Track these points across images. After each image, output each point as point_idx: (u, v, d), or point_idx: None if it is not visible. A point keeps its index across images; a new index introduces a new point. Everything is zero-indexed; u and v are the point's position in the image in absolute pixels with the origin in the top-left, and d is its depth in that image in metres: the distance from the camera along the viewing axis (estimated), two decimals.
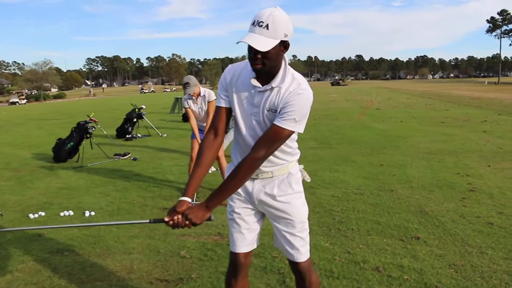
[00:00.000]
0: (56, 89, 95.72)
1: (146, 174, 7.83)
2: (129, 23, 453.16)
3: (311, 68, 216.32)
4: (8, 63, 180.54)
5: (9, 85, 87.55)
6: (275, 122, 2.13)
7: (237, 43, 2.04)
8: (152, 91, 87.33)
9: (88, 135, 9.30)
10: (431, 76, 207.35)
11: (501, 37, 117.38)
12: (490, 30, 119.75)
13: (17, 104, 54.98)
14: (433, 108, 21.31)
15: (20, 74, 77.81)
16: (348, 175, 7.03)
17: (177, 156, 9.60)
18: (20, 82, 77.79)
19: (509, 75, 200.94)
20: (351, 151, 9.30)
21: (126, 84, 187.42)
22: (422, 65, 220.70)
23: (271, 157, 2.26)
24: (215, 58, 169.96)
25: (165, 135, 13.32)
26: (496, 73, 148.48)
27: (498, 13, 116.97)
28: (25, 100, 58.91)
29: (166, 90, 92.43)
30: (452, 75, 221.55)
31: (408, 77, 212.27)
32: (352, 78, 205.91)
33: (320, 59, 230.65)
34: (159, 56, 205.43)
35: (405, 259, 3.78)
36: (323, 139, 11.22)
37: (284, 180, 2.35)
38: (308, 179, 2.60)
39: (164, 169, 8.17)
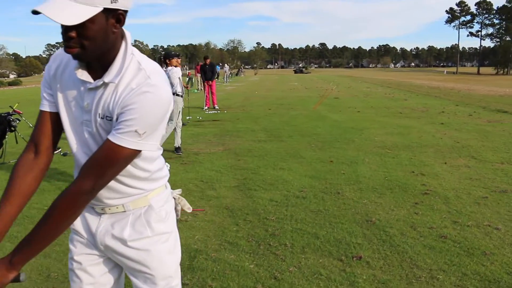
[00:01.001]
0: (15, 76, 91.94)
1: (70, 173, 6.95)
2: None
3: (275, 55, 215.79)
4: None
5: None
6: (109, 137, 1.37)
7: (33, 12, 1.25)
8: None
9: (12, 128, 8.29)
10: (393, 65, 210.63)
11: (459, 28, 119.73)
12: (449, 21, 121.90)
13: None
14: (392, 97, 20.98)
15: None
16: (293, 174, 6.35)
17: None
18: None
19: (466, 65, 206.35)
20: (302, 144, 8.64)
21: None
22: (384, 54, 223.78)
23: (117, 186, 1.52)
24: (178, 45, 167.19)
25: None
26: (454, 63, 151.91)
27: (456, 4, 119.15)
28: None
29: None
30: (413, 64, 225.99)
31: (370, 66, 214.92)
32: (315, 66, 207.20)
33: (284, 46, 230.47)
34: None
35: (341, 287, 3.11)
36: (274, 130, 10.53)
37: (140, 217, 1.59)
38: (188, 209, 1.87)
39: None
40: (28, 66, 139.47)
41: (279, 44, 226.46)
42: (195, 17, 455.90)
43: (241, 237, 4.08)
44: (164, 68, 8.09)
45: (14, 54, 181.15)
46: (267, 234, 4.13)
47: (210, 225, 4.46)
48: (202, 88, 16.89)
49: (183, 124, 12.10)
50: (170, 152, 8.25)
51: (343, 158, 7.29)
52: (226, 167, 6.91)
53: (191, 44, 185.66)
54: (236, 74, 65.68)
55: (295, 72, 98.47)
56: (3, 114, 8.24)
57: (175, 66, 8.04)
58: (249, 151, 8.11)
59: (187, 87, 13.04)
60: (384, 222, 4.33)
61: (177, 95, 8.08)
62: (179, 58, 12.52)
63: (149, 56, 9.93)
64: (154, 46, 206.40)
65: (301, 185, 5.78)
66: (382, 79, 50.41)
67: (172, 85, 8.09)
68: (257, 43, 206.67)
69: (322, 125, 11.37)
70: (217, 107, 16.29)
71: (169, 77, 8.06)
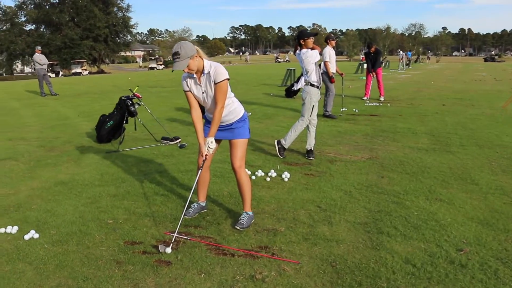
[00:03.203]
0: None
1: (172, 171, 5.87)
2: None
3: (463, 41, 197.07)
4: (160, 31, 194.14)
5: (160, 52, 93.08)
6: None
7: None
8: (287, 60, 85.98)
9: (134, 113, 7.59)
10: None
11: None
12: None
13: (155, 69, 57.44)
14: None
15: (170, 41, 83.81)
16: (453, 212, 4.28)
17: None
18: (162, 49, 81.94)
19: None
20: (477, 160, 6.30)
21: (267, 53, 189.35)
22: None
23: None
24: (357, 29, 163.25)
25: (249, 113, 11.24)
26: None
27: None
28: (163, 66, 61.41)
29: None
30: None
31: None
32: None
33: (475, 31, 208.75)
34: (300, 25, 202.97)
35: None
36: (442, 135, 8.18)
37: None
38: None
39: None
40: (214, 48, 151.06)
41: (469, 29, 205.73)
42: (375, 0, 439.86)
43: None
44: (298, 51, 6.49)
45: (203, 36, 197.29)
46: None
47: None
48: (365, 77, 14.86)
49: (332, 117, 10.44)
50: (300, 155, 6.69)
51: None
52: (361, 187, 5.11)
53: (370, 28, 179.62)
54: (415, 61, 60.80)
55: (485, 60, 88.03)
56: (123, 98, 7.58)
57: (312, 49, 6.36)
58: (401, 164, 6.12)
59: (342, 74, 11.27)
60: None
61: (312, 85, 6.43)
62: (333, 40, 10.83)
63: (326, 39, 8.28)
64: (333, 29, 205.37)
65: (463, 235, 3.73)
66: None
67: (306, 72, 6.46)
68: (442, 27, 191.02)
69: None
70: (382, 99, 14.16)
71: (301, 62, 6.45)
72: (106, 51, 58.68)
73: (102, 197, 4.90)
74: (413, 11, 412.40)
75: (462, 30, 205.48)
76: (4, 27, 54.88)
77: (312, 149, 6.61)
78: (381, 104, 13.22)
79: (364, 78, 15.35)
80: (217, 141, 4.16)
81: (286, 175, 5.53)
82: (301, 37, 6.35)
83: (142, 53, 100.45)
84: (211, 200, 4.73)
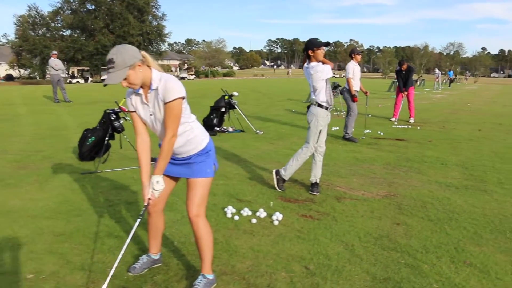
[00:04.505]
0: (237, 68, 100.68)
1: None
2: (314, 7, 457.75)
3: (502, 63, 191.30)
4: (198, 41, 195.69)
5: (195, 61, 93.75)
6: None
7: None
8: None
9: (119, 129, 6.69)
10: None
11: None
12: None
13: (185, 79, 57.17)
14: None
15: (206, 51, 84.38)
16: (488, 287, 3.14)
17: (235, 172, 6.45)
18: (196, 59, 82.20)
19: None
20: None
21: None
22: None
23: None
24: (395, 47, 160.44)
25: (261, 132, 10.21)
26: None
27: None
28: (194, 76, 61.21)
29: (335, 75, 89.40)
30: None
31: None
32: None
33: None
34: (337, 41, 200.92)
35: None
36: (477, 168, 6.95)
37: None
38: None
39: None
40: (249, 59, 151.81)
41: (509, 50, 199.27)
42: (416, 18, 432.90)
43: None
44: (306, 64, 5.40)
45: (240, 48, 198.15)
46: None
47: None
48: (395, 96, 13.63)
49: (352, 140, 9.31)
50: (304, 188, 5.63)
51: None
52: (368, 239, 4.02)
53: (408, 46, 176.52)
54: (451, 81, 58.70)
55: None
56: (107, 111, 6.68)
57: (321, 62, 5.26)
58: (423, 206, 4.98)
59: (366, 93, 10.13)
60: None
61: (319, 105, 5.34)
62: (358, 55, 9.70)
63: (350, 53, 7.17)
64: (370, 46, 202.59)
65: None
66: None
67: (314, 89, 5.36)
68: (482, 48, 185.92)
69: None
70: (411, 121, 12.95)
71: (309, 77, 5.36)
72: None
73: (42, 236, 3.95)
74: (453, 31, 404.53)
75: (502, 51, 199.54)
76: (40, 32, 55.59)
77: (318, 182, 5.52)
78: (410, 126, 11.99)
79: (395, 97, 14.14)
80: (173, 178, 3.18)
81: (277, 217, 4.48)
82: (309, 47, 5.23)
83: (178, 62, 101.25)
84: (171, 248, 3.73)
